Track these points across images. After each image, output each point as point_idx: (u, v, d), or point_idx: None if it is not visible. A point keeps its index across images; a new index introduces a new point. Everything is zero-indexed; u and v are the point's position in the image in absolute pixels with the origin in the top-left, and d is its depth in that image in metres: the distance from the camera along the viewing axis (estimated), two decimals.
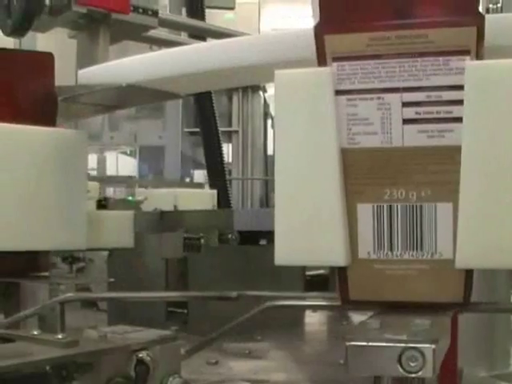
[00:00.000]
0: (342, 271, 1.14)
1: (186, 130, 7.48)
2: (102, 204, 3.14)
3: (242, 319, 1.51)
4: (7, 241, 1.77)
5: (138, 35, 2.67)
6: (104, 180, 4.77)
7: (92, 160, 8.26)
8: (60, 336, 1.26)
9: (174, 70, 1.88)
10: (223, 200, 4.89)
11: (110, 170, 8.58)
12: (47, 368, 1.16)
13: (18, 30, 2.30)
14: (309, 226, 1.19)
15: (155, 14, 2.55)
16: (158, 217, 2.79)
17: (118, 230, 2.22)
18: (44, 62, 1.98)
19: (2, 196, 1.77)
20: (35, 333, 1.28)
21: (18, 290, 1.85)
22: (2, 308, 1.85)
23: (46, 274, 1.91)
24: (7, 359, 1.10)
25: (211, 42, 2.29)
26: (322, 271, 2.67)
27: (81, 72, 2.10)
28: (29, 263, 1.88)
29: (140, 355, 1.30)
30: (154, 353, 1.31)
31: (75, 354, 1.19)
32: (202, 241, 2.80)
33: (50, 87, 1.97)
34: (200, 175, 7.53)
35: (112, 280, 2.13)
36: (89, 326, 1.48)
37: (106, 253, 2.82)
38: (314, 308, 2.10)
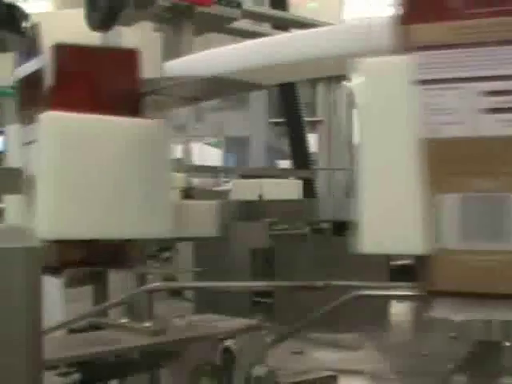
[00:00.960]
0: (425, 261, 1.14)
1: (271, 120, 7.49)
2: (188, 194, 3.18)
3: (328, 309, 1.52)
4: (95, 229, 1.82)
5: (222, 27, 2.69)
6: (189, 170, 4.82)
7: (178, 151, 8.37)
8: (148, 324, 1.30)
9: (258, 61, 1.89)
10: (308, 190, 4.89)
11: (196, 161, 8.68)
12: (135, 355, 1.19)
13: (104, 25, 2.34)
14: (391, 214, 1.19)
15: (238, 5, 2.57)
16: (243, 206, 2.81)
17: (203, 219, 2.26)
18: (130, 56, 2.03)
19: (90, 186, 1.82)
20: (124, 321, 1.32)
21: (106, 278, 1.89)
22: (91, 296, 1.90)
23: (133, 263, 1.95)
24: (97, 346, 1.14)
25: (293, 33, 2.29)
26: (407, 261, 2.65)
27: (166, 65, 2.14)
28: (117, 252, 1.93)
29: (226, 343, 1.32)
30: (239, 341, 1.34)
31: (163, 342, 1.23)
32: (289, 230, 2.81)
33: (135, 81, 2.02)
34: (286, 166, 7.54)
35: (198, 269, 2.16)
36: (176, 314, 1.51)
37: (191, 243, 2.86)
38: (399, 298, 2.09)
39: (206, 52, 2.11)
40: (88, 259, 1.86)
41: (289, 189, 3.90)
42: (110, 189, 1.86)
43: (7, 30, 1.09)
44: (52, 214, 1.78)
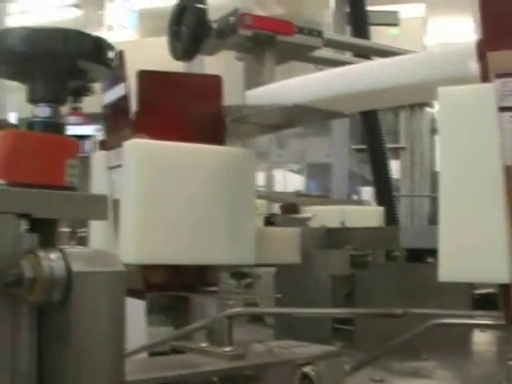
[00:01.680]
0: (506, 290, 1.12)
1: (354, 147, 7.47)
2: (270, 221, 3.20)
3: (406, 337, 1.50)
4: (179, 255, 1.85)
5: (303, 55, 2.70)
6: (272, 197, 4.85)
7: (260, 177, 8.42)
8: (227, 349, 1.31)
9: (339, 89, 1.90)
10: (390, 217, 4.84)
11: (278, 188, 8.71)
12: (214, 379, 1.21)
13: (187, 54, 2.40)
14: (472, 242, 1.17)
15: (319, 34, 2.58)
16: (324, 234, 2.81)
17: (285, 246, 2.27)
18: (212, 84, 2.06)
19: (174, 211, 1.86)
20: (203, 345, 1.34)
21: (188, 303, 1.92)
22: (173, 320, 1.93)
23: (215, 288, 1.97)
24: (176, 369, 1.16)
25: (375, 62, 2.29)
26: (490, 290, 2.59)
27: (248, 93, 2.17)
28: (198, 278, 1.95)
29: (305, 369, 1.32)
30: (318, 368, 1.33)
31: (242, 367, 1.24)
32: (369, 258, 2.78)
33: (218, 108, 2.05)
34: (368, 192, 7.49)
35: (278, 296, 2.17)
36: (256, 340, 1.52)
37: (273, 269, 2.87)
38: (479, 327, 2.04)
39: (287, 81, 2.13)
40: (171, 284, 1.89)
41: (370, 216, 3.88)
42: (194, 215, 1.89)
43: (94, 61, 1.13)
44: (137, 239, 1.82)
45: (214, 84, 2.05)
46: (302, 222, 3.46)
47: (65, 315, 0.97)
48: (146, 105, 1.93)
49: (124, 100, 1.95)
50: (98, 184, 2.11)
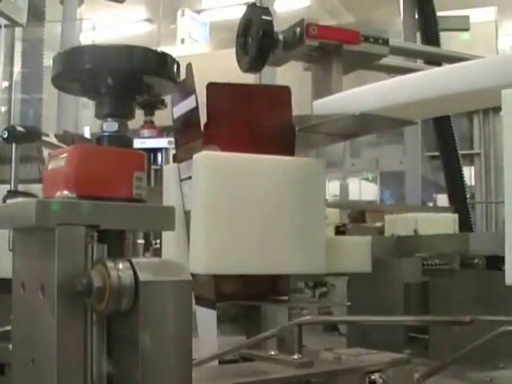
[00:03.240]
0: None
1: (427, 154, 7.37)
2: (341, 230, 3.19)
3: (477, 344, 1.48)
4: (249, 265, 1.86)
5: (371, 64, 2.68)
6: (345, 206, 4.82)
7: (335, 186, 8.38)
8: (296, 356, 1.31)
9: (407, 97, 1.88)
10: (465, 224, 4.75)
11: (353, 196, 8.64)
12: None
13: (254, 66, 2.41)
14: None
15: (386, 42, 2.56)
16: (395, 242, 2.78)
17: (356, 255, 2.26)
18: (282, 94, 2.07)
19: (245, 222, 1.87)
20: (273, 353, 1.35)
21: (260, 312, 1.93)
22: (244, 330, 1.94)
23: (286, 297, 1.97)
24: (245, 377, 1.17)
25: (443, 68, 2.26)
26: None
27: (316, 102, 2.17)
28: (269, 287, 1.96)
29: (373, 377, 1.31)
30: (386, 375, 1.32)
31: (308, 374, 1.24)
32: (443, 265, 2.75)
33: (288, 118, 2.05)
34: (443, 199, 7.38)
35: (348, 304, 2.16)
36: (325, 348, 1.52)
37: (347, 278, 2.86)
38: None
39: (356, 89, 2.12)
40: (242, 293, 1.90)
41: (444, 223, 3.81)
42: (264, 225, 1.90)
43: (159, 76, 1.15)
44: (207, 250, 1.85)
45: (283, 94, 2.06)
46: (373, 230, 3.43)
47: (132, 323, 0.99)
48: (216, 116, 1.96)
49: (194, 112, 1.97)
50: (170, 196, 2.14)
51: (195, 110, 1.96)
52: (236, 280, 1.91)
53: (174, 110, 2.14)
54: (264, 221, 1.90)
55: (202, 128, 1.96)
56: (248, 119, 2.02)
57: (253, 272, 1.89)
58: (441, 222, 3.80)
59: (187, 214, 1.97)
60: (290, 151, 2.03)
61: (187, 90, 1.97)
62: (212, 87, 1.96)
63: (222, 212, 1.86)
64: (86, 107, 6.35)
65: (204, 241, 1.85)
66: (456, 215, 4.08)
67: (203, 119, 1.96)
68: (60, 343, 0.99)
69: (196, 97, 1.95)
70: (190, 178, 1.97)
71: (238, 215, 1.87)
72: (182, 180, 2.08)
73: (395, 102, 1.91)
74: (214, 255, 1.84)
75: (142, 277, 1.00)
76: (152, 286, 1.00)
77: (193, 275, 1.72)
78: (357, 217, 4.17)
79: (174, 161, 2.18)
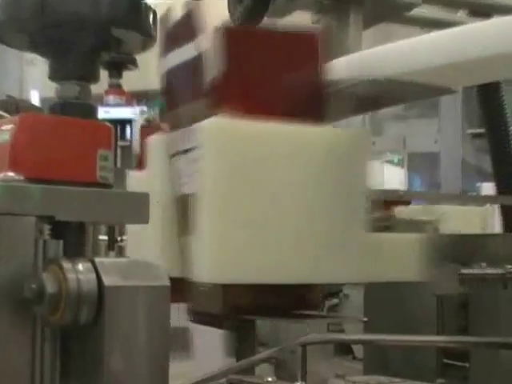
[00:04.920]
0: None
1: (469, 131, 7.39)
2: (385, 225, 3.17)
3: None
4: (270, 272, 1.85)
5: (399, 15, 2.67)
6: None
7: None
8: None
9: (445, 57, 1.88)
10: None
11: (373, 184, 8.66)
12: None
13: (250, 17, 2.39)
14: None
15: None
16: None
17: (405, 257, 2.20)
18: (313, 40, 2.03)
19: (264, 215, 1.81)
20: (269, 379, 1.36)
21: (254, 328, 1.93)
22: (236, 349, 1.94)
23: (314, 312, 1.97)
24: None
25: (491, 21, 2.26)
26: None
27: (327, 65, 2.16)
28: (297, 299, 1.94)
29: None
30: None
31: None
32: (489, 274, 2.75)
33: (320, 75, 2.02)
34: (490, 188, 7.37)
35: (366, 319, 2.17)
36: (336, 374, 1.54)
37: (362, 286, 2.87)
38: None
39: (379, 48, 2.12)
40: (256, 307, 1.87)
41: (467, 218, 3.81)
42: (289, 220, 1.86)
43: (130, 29, 1.15)
44: (214, 251, 1.82)
45: (315, 40, 2.02)
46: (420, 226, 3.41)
47: (95, 338, 1.00)
48: (230, 70, 1.89)
49: (197, 63, 1.91)
50: (155, 177, 2.12)
51: (199, 59, 1.91)
52: (249, 291, 1.87)
53: (162, 61, 2.08)
54: (289, 214, 1.86)
55: (208, 85, 1.89)
56: (271, 74, 1.95)
57: (274, 281, 1.85)
58: (463, 217, 3.78)
59: (183, 200, 1.93)
60: (322, 119, 1.99)
61: (186, 34, 1.94)
62: (225, 31, 1.90)
63: (236, 200, 1.81)
64: (31, 65, 6.29)
65: (210, 239, 1.82)
66: (488, 208, 4.07)
67: (209, 73, 1.89)
68: (1, 363, 1.00)
69: (201, 43, 1.90)
70: (186, 151, 1.91)
71: (256, 205, 1.83)
72: (173, 155, 2.03)
73: (429, 65, 1.91)
74: (224, 258, 1.81)
75: (107, 281, 1.01)
76: (120, 293, 1.02)
77: (193, 284, 1.73)
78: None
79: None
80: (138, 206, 1.15)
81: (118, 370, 1.01)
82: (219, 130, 1.84)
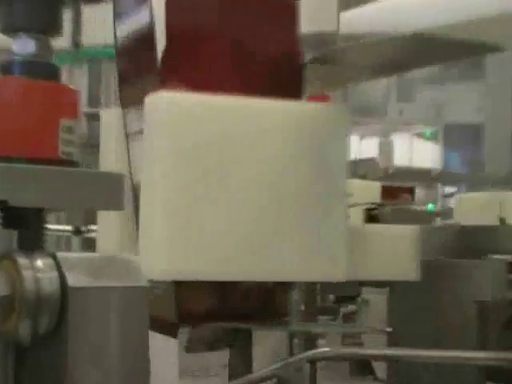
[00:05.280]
0: None
1: None
2: (372, 214, 3.18)
3: None
4: (234, 267, 1.86)
5: None
6: (388, 176, 4.85)
7: (372, 146, 8.39)
8: None
9: (490, 7, 1.88)
10: None
11: (400, 161, 8.64)
12: None
13: None
14: None
15: None
16: (458, 235, 2.78)
17: (396, 253, 2.27)
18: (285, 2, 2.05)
19: (227, 201, 1.85)
20: None
21: (250, 339, 1.95)
22: (229, 363, 1.96)
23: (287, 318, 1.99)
24: None
25: None
26: None
27: (345, 16, 2.17)
28: (263, 302, 1.97)
29: None
30: None
31: None
32: None
33: (293, 39, 2.04)
34: None
35: (390, 330, 2.18)
36: None
37: (386, 291, 2.88)
38: None
39: None
40: (220, 311, 1.90)
41: (483, 204, 3.82)
42: (256, 206, 1.90)
43: None
44: (166, 243, 1.84)
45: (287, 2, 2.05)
46: (424, 216, 3.43)
47: (56, 351, 1.01)
48: (182, 36, 1.94)
49: (147, 30, 1.97)
50: (112, 158, 2.16)
51: (150, 26, 1.96)
52: (210, 291, 1.92)
53: (116, 27, 2.12)
54: (256, 199, 1.88)
55: (160, 54, 1.93)
56: (232, 40, 2.00)
57: (238, 278, 1.89)
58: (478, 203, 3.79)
59: (137, 188, 1.97)
60: (295, 93, 2.03)
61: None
62: None
63: (191, 185, 1.84)
64: None
65: (161, 229, 1.84)
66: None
67: (162, 40, 1.93)
68: None
69: (151, 4, 1.94)
70: (140, 132, 1.95)
71: (216, 190, 1.85)
72: (129, 135, 2.07)
73: (471, 16, 1.91)
74: (178, 252, 1.83)
75: (72, 280, 1.02)
76: (88, 295, 1.02)
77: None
78: (395, 193, 4.16)
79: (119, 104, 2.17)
80: (110, 189, 1.16)
81: None
82: (165, 106, 1.86)
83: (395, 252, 2.25)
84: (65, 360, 1.01)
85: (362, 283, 2.57)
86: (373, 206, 3.27)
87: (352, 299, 3.49)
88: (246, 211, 1.89)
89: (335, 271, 1.98)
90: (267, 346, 2.06)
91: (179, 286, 1.88)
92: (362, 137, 8.50)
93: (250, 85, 1.96)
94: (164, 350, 1.87)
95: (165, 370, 1.85)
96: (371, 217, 3.18)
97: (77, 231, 4.15)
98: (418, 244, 2.29)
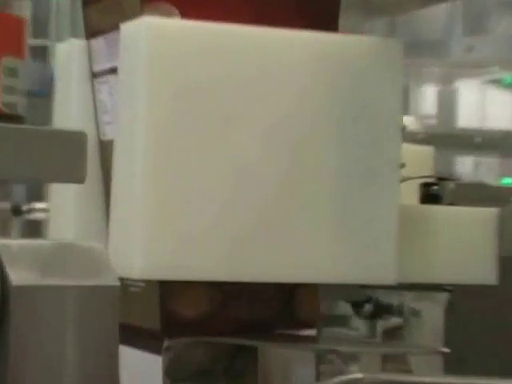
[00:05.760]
0: None
1: None
2: (432, 192, 3.19)
3: None
4: (237, 263, 1.89)
5: None
6: (448, 139, 4.87)
7: (428, 97, 8.40)
8: None
9: None
10: None
11: (467, 119, 8.65)
12: None
13: None
14: None
15: None
16: None
17: (468, 247, 2.25)
18: None
19: (229, 169, 1.86)
20: None
21: (256, 361, 1.97)
22: None
23: (312, 333, 2.01)
24: None
25: None
26: None
27: None
28: (279, 310, 1.99)
29: None
30: None
31: None
32: None
33: None
34: None
35: (448, 351, 2.21)
36: None
37: (444, 298, 2.90)
38: None
39: None
40: (218, 321, 1.93)
41: None
42: (270, 177, 1.90)
43: None
44: (152, 227, 1.85)
45: None
46: (501, 194, 3.44)
47: None
48: None
49: None
50: (70, 109, 2.18)
51: None
52: (207, 294, 1.94)
53: None
54: (272, 169, 1.89)
55: None
56: None
57: (247, 278, 1.90)
58: None
59: (106, 150, 1.98)
60: (329, 23, 2.05)
61: None
62: None
63: (186, 147, 1.84)
64: None
65: (144, 208, 1.84)
66: None
67: None
68: None
69: None
70: (112, 71, 1.97)
71: (220, 155, 1.86)
72: (95, 75, 2.09)
73: None
74: (167, 239, 1.84)
75: (15, 277, 1.05)
76: (36, 296, 1.05)
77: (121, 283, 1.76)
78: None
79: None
80: (67, 154, 1.17)
81: None
82: (151, 34, 1.85)
83: (465, 244, 2.22)
84: (4, 375, 1.03)
85: (410, 287, 2.56)
86: (432, 181, 3.27)
87: (394, 309, 3.51)
88: (258, 185, 1.89)
89: (383, 271, 1.99)
90: (279, 372, 2.07)
91: (165, 286, 1.90)
92: (414, 85, 8.49)
93: (267, 13, 1.97)
94: (143, 371, 1.90)
95: None
96: (430, 195, 3.19)
97: (16, 210, 4.16)
98: (497, 233, 2.28)
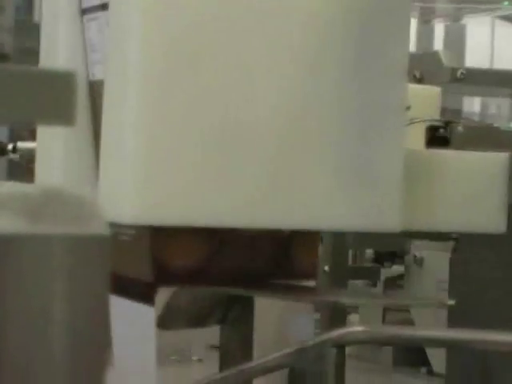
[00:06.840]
0: None
1: None
2: (439, 135, 3.18)
3: None
4: (232, 208, 1.89)
5: None
6: (461, 79, 4.86)
7: (435, 33, 8.41)
8: None
9: None
10: None
11: (475, 57, 8.68)
12: None
13: None
14: None
15: None
16: None
17: (476, 193, 2.26)
18: None
19: (227, 111, 1.87)
20: None
21: (252, 313, 1.99)
22: (220, 345, 2.00)
23: (311, 283, 2.02)
24: None
25: None
26: None
27: None
28: (273, 258, 2.00)
29: None
30: None
31: None
32: None
33: None
34: None
35: (453, 303, 2.21)
36: None
37: (449, 246, 2.91)
38: None
39: None
40: (212, 270, 1.94)
41: None
42: (272, 118, 1.91)
43: None
44: (144, 170, 1.87)
45: None
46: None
47: None
48: None
49: None
50: (58, 48, 2.15)
51: None
52: (203, 240, 1.95)
53: None
54: (274, 108, 1.90)
55: None
56: None
57: (244, 224, 1.92)
58: None
59: (97, 92, 1.98)
60: None
61: None
62: None
63: (181, 86, 1.85)
64: None
65: (136, 151, 1.87)
66: None
67: None
68: None
69: None
70: (103, 7, 1.97)
71: (217, 94, 1.88)
72: (84, 12, 2.09)
73: None
74: (160, 183, 1.86)
75: (0, 225, 1.05)
76: (23, 246, 1.05)
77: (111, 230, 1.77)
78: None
79: None
80: (55, 94, 1.18)
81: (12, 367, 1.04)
82: None
83: (473, 190, 2.22)
84: None
85: (413, 235, 2.56)
86: (439, 124, 3.25)
87: (398, 257, 3.50)
88: (258, 126, 1.90)
89: (387, 218, 2.00)
90: (275, 322, 2.08)
91: (157, 232, 1.90)
92: (420, 21, 8.51)
93: None
94: (135, 322, 1.91)
95: (136, 349, 1.89)
96: (437, 139, 3.18)
97: (1, 150, 4.15)
98: (508, 180, 2.25)
